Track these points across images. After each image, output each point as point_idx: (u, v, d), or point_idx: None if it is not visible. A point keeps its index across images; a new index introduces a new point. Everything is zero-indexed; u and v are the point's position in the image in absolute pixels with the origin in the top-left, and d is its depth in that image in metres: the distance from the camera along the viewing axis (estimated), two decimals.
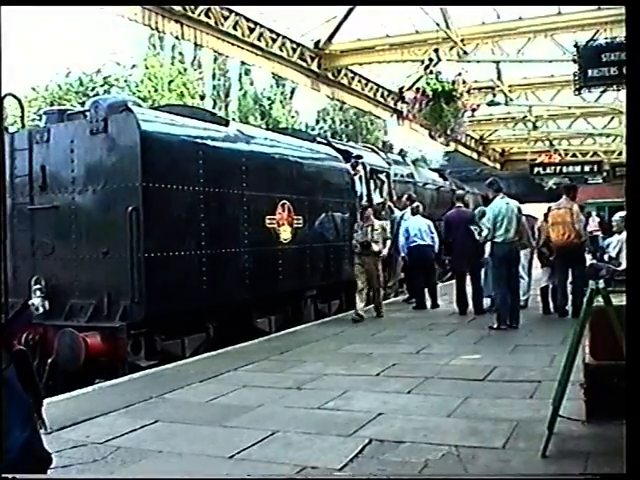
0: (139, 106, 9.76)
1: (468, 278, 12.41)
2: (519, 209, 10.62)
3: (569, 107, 24.50)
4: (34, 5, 13.24)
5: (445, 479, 4.46)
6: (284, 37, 15.29)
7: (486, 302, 12.36)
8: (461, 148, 29.19)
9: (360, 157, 14.92)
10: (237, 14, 13.72)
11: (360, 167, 14.65)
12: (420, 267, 13.54)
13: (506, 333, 10.00)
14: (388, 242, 12.46)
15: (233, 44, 14.04)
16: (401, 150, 21.19)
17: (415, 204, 14.16)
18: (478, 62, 16.33)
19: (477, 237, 11.15)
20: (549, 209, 11.20)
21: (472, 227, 11.38)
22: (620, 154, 28.82)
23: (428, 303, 13.55)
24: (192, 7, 12.58)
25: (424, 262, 13.45)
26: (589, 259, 12.75)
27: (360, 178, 14.63)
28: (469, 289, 12.37)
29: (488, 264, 11.72)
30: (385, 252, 12.39)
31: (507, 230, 10.26)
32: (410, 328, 10.93)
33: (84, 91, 28.30)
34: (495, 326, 10.22)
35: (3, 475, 2.69)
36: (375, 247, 12.07)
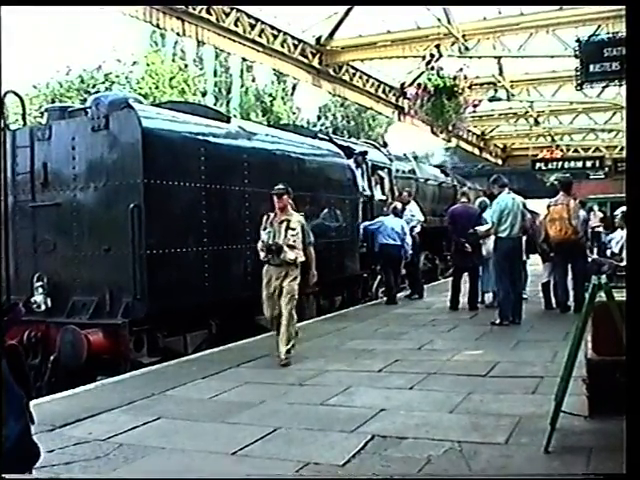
0: (140, 103, 9.76)
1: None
2: (524, 205, 10.64)
3: (571, 102, 24.49)
4: (34, 5, 13.25)
5: (445, 479, 4.45)
6: (285, 33, 15.29)
7: (488, 297, 12.41)
8: (463, 144, 29.16)
9: (365, 153, 14.95)
10: (238, 11, 13.72)
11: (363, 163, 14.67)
12: (389, 265, 13.85)
13: (508, 329, 10.00)
14: (311, 249, 8.79)
15: (234, 40, 14.04)
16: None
17: (394, 204, 14.27)
18: (479, 58, 16.32)
19: (478, 233, 11.30)
20: (549, 205, 11.23)
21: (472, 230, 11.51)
22: (622, 149, 28.78)
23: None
24: None
25: (392, 261, 13.76)
26: (590, 255, 12.75)
27: (362, 174, 14.63)
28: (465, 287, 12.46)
29: (488, 260, 11.78)
30: (312, 275, 8.85)
31: (512, 225, 10.26)
32: (412, 324, 10.93)
33: (85, 88, 28.29)
34: (497, 322, 10.23)
35: (3, 475, 2.69)
36: (290, 254, 8.31)
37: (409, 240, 13.79)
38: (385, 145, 19.12)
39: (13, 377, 2.69)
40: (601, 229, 20.58)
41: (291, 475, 4.44)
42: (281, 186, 8.60)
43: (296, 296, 8.46)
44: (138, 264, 8.50)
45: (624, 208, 11.23)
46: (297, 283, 8.46)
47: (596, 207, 23.90)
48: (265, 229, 8.46)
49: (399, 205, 14.22)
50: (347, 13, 15.27)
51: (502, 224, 10.28)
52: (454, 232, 12.52)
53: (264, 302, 8.46)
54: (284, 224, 8.39)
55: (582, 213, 11.63)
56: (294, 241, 8.36)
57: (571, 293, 11.02)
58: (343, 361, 8.09)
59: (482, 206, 12.52)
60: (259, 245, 8.47)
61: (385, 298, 14.00)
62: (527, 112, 25.34)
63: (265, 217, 8.57)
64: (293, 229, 8.39)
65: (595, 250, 15.04)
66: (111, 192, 8.90)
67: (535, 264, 13.06)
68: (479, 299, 12.53)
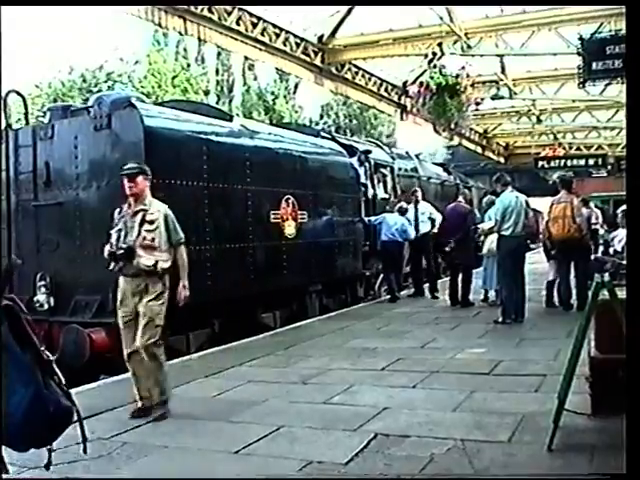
0: (143, 102, 9.76)
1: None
2: (527, 203, 10.65)
3: (573, 100, 24.47)
4: (34, 5, 13.24)
5: (450, 479, 4.44)
6: (287, 32, 15.29)
7: (491, 295, 12.42)
8: (465, 142, 29.13)
9: (369, 152, 14.96)
10: (240, 9, 13.73)
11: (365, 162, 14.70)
12: (389, 261, 13.90)
13: (511, 327, 9.99)
14: (182, 250, 6.14)
15: (236, 39, 14.04)
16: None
17: (401, 204, 14.35)
18: (482, 56, 16.29)
19: (479, 231, 11.48)
20: (552, 204, 11.25)
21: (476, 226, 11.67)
22: (625, 147, 28.72)
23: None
24: None
25: (391, 258, 13.78)
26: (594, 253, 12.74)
27: (365, 172, 14.63)
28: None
29: (489, 258, 11.83)
30: (182, 287, 6.22)
31: (515, 223, 10.25)
32: (415, 322, 10.93)
33: (87, 87, 28.33)
34: (500, 320, 10.21)
35: (3, 476, 2.67)
36: (146, 259, 5.93)
37: (412, 235, 13.78)
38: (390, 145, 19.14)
39: (16, 341, 2.60)
40: (597, 227, 20.40)
41: (294, 474, 4.44)
42: (133, 164, 6.32)
43: (159, 322, 6.03)
44: None
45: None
46: (163, 303, 6.08)
47: (592, 204, 23.65)
48: (116, 226, 6.08)
49: (405, 205, 14.23)
50: (349, 11, 15.28)
51: (505, 222, 10.28)
52: (443, 230, 12.71)
53: (121, 330, 6.12)
54: (138, 217, 5.99)
55: (585, 211, 11.62)
56: (152, 239, 5.92)
57: (574, 291, 11.01)
58: (346, 360, 8.09)
59: (488, 202, 12.57)
60: (105, 250, 6.08)
61: (388, 296, 14.00)
62: (529, 110, 25.30)
63: (117, 210, 6.20)
64: (151, 223, 5.95)
65: (594, 248, 14.97)
66: (114, 191, 8.88)
67: (537, 262, 13.06)
68: (482, 297, 12.61)
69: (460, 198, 13.18)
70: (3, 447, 2.63)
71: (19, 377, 2.57)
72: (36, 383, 2.62)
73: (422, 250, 14.17)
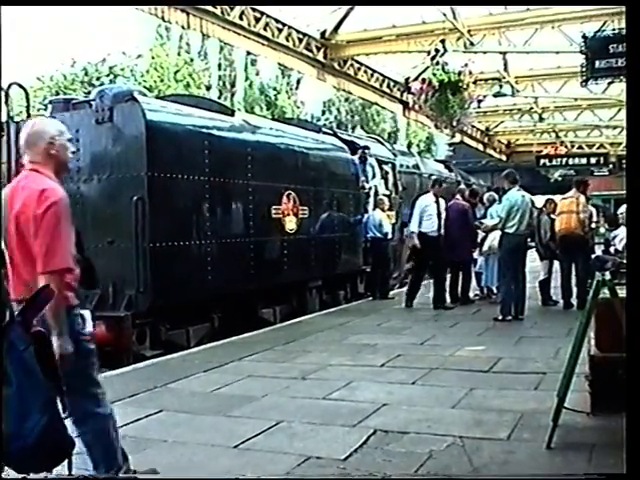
0: (145, 96, 9.76)
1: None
2: (533, 203, 10.67)
3: (575, 99, 24.41)
4: (34, 5, 13.22)
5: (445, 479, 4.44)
6: (290, 27, 15.25)
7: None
8: (467, 139, 29.09)
9: (367, 148, 14.94)
10: (243, 4, 13.69)
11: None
12: (375, 257, 13.77)
13: (511, 325, 10.00)
14: None
15: (239, 34, 14.00)
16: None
17: (378, 197, 14.24)
18: (485, 53, 16.26)
19: (481, 227, 11.51)
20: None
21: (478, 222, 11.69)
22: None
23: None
24: None
25: (375, 253, 13.65)
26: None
27: (366, 169, 14.61)
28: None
29: (489, 256, 11.84)
30: None
31: (520, 222, 10.25)
32: (415, 319, 10.93)
33: (89, 81, 28.30)
34: (500, 318, 10.22)
35: (3, 475, 2.67)
36: None
37: (388, 228, 13.69)
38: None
39: (40, 366, 2.63)
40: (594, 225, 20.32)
41: (292, 470, 4.44)
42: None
43: None
44: (141, 257, 8.51)
45: None
46: None
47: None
48: None
49: (386, 200, 14.09)
50: (352, 7, 15.24)
51: (510, 220, 10.27)
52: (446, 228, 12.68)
53: None
54: None
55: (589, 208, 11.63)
56: None
57: (574, 289, 11.02)
58: (346, 355, 8.09)
59: (490, 200, 12.57)
60: None
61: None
62: (532, 108, 25.27)
63: None
64: None
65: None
66: (115, 185, 8.90)
67: (538, 260, 13.06)
68: (483, 293, 12.67)
69: (457, 196, 13.10)
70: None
71: (37, 403, 2.58)
72: (51, 413, 2.64)
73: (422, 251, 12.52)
